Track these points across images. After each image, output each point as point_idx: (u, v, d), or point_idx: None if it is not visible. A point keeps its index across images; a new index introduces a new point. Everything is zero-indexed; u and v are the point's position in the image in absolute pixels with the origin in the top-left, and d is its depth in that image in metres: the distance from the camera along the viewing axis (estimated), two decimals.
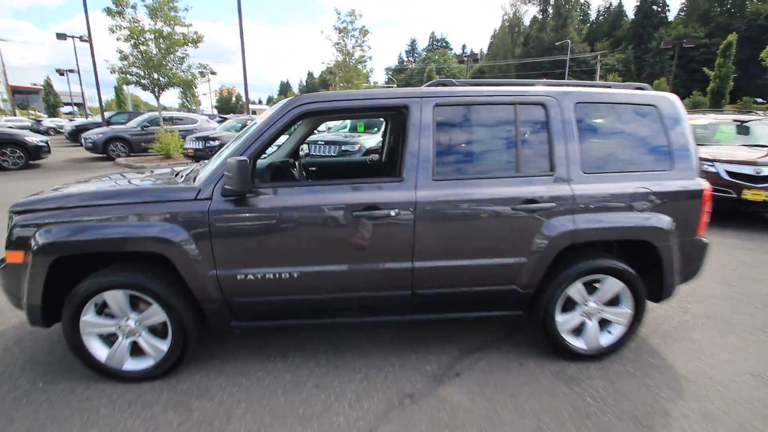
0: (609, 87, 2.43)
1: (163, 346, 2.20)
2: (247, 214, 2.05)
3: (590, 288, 2.39)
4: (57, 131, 27.35)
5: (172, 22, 12.44)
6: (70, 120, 29.40)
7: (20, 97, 50.84)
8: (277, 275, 2.11)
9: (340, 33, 17.39)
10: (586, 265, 2.29)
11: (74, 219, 2.01)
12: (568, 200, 2.17)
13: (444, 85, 2.29)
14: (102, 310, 2.17)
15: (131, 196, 2.08)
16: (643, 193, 2.24)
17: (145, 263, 2.15)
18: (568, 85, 2.37)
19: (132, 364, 2.23)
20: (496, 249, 2.19)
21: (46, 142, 11.50)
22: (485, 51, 74.72)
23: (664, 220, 2.26)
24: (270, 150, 4.00)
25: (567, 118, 2.23)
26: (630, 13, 61.12)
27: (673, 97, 2.42)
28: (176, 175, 2.48)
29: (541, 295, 2.31)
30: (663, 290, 2.42)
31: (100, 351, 2.20)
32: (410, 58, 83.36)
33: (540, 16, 65.33)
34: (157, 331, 2.23)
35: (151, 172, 2.92)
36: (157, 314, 2.14)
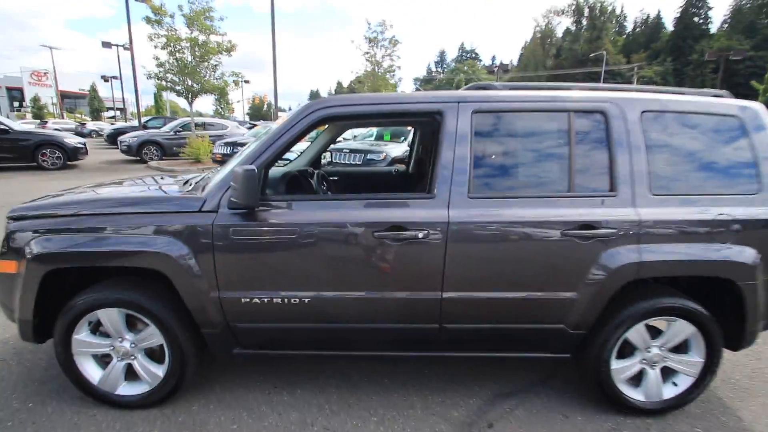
0: (681, 93, 2.07)
1: (160, 371, 1.98)
2: (256, 230, 1.81)
3: (653, 330, 2.01)
4: (99, 134, 28.72)
5: (207, 31, 12.79)
6: (112, 124, 30.85)
7: (69, 101, 54.16)
8: (286, 300, 1.85)
9: (370, 42, 17.39)
10: (651, 305, 1.91)
11: (66, 228, 1.84)
12: (633, 226, 1.82)
13: (483, 89, 2.00)
14: (97, 328, 1.98)
15: (129, 205, 1.89)
16: (724, 220, 1.86)
17: (143, 280, 1.94)
18: (632, 90, 2.02)
19: (126, 389, 2.02)
20: (542, 281, 1.86)
21: (84, 144, 11.90)
22: (515, 63, 73.69)
23: (748, 254, 1.86)
24: (292, 156, 3.83)
25: (632, 129, 1.88)
26: (669, 24, 58.83)
27: (760, 107, 2.03)
28: (185, 182, 2.29)
29: (594, 338, 1.95)
30: (743, 337, 2.00)
31: (93, 372, 2.01)
32: (439, 69, 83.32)
33: (573, 28, 63.90)
34: (155, 355, 2.02)
35: (161, 177, 2.75)
36: (153, 336, 1.93)
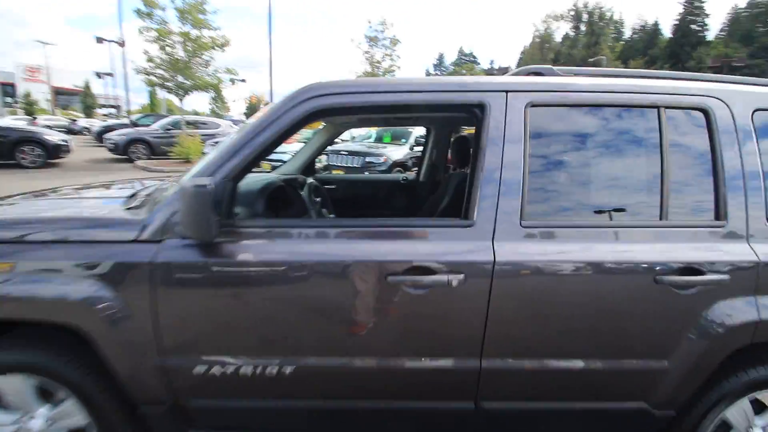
0: None
1: None
2: (216, 271, 1.27)
3: (756, 405, 1.49)
4: (90, 131, 28.08)
5: (200, 25, 12.24)
6: (104, 121, 30.18)
7: (63, 98, 53.25)
8: (260, 370, 1.31)
9: (370, 42, 16.95)
10: (762, 374, 1.39)
11: None
12: (749, 270, 1.30)
13: (540, 75, 1.47)
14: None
15: (36, 229, 1.34)
16: None
17: (61, 335, 1.39)
18: (735, 81, 1.51)
19: None
20: (621, 345, 1.33)
21: (67, 142, 11.29)
22: (514, 67, 73.66)
23: None
24: (287, 156, 3.28)
25: (743, 133, 1.36)
26: (667, 31, 59.01)
27: None
28: (132, 195, 1.73)
29: (684, 418, 1.42)
30: None
31: None
32: (437, 72, 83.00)
33: (572, 33, 64.04)
34: None
35: (104, 188, 2.20)
36: (74, 413, 1.38)
